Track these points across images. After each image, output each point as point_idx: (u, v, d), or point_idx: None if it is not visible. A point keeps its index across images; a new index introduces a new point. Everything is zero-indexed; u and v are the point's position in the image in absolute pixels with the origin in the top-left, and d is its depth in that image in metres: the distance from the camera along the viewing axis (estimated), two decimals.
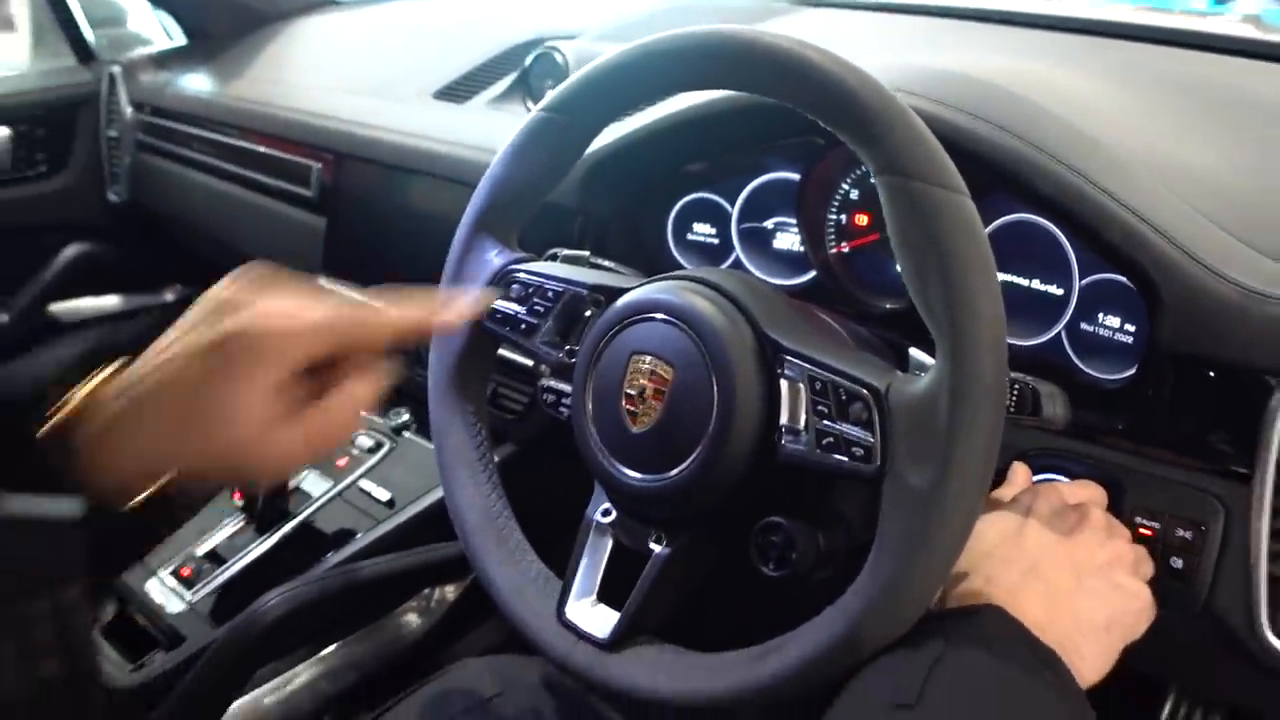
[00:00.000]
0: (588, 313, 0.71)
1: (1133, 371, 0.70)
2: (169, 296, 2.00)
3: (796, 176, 0.90)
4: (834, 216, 0.89)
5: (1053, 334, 0.77)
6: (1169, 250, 0.63)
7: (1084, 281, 0.75)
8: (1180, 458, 0.66)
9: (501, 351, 1.01)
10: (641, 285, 0.68)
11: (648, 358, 0.64)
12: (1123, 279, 0.70)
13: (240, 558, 1.08)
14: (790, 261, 0.93)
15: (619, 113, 0.71)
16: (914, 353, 0.59)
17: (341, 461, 1.20)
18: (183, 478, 0.51)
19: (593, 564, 0.70)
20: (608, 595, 0.69)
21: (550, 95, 0.71)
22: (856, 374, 0.57)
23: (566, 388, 0.75)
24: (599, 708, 0.80)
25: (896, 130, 0.55)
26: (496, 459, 1.02)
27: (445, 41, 1.50)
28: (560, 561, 0.72)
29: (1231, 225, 0.66)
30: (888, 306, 0.86)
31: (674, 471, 0.62)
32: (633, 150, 0.92)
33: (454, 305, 0.63)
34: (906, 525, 0.54)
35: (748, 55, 0.61)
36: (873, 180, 0.56)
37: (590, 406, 0.67)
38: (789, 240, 0.93)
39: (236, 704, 0.96)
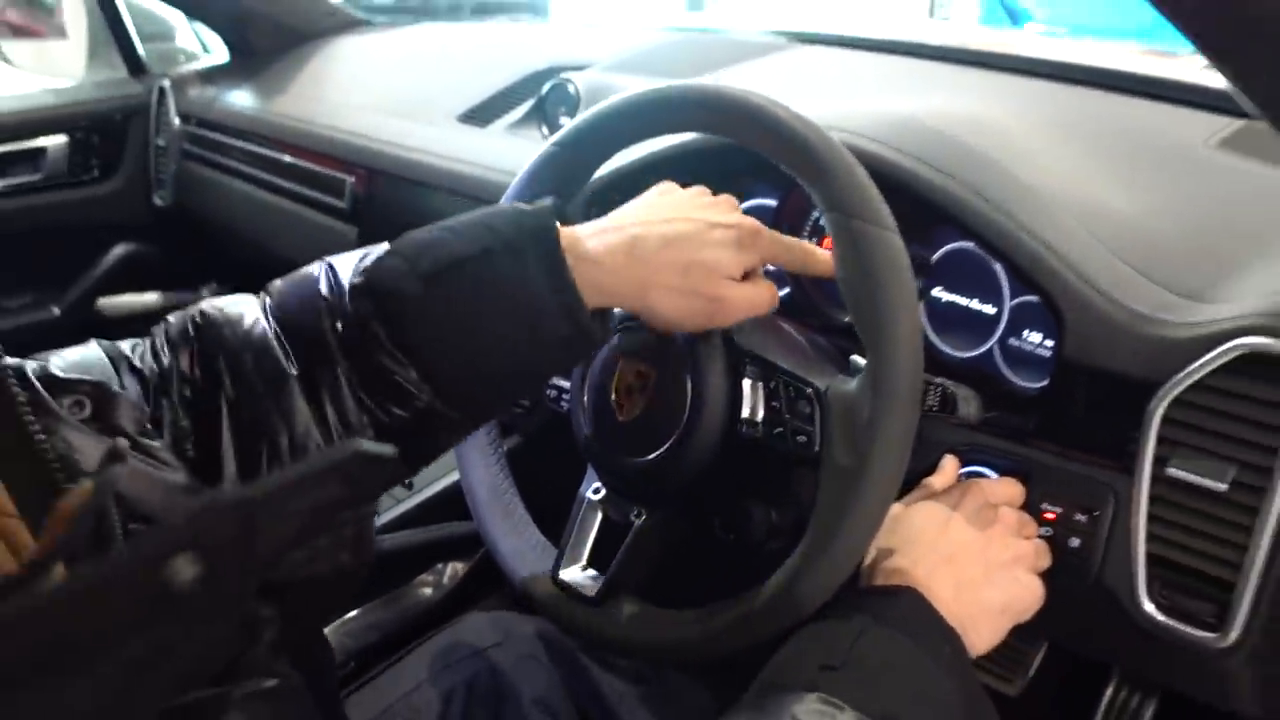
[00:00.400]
0: None
1: (1046, 381, 0.81)
2: (206, 294, 2.13)
3: (774, 203, 1.02)
4: (807, 240, 1.01)
5: (987, 347, 0.88)
6: (1071, 278, 0.75)
7: (1012, 302, 0.86)
8: (1080, 453, 0.77)
9: None
10: None
11: (635, 359, 0.77)
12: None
13: None
14: (770, 278, 1.05)
15: (616, 149, 0.83)
16: (854, 359, 0.71)
17: None
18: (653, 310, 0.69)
19: (584, 534, 0.82)
20: (597, 561, 0.82)
21: (560, 132, 0.83)
22: (803, 375, 0.70)
23: (566, 384, 0.87)
24: (582, 656, 0.92)
25: (840, 176, 0.68)
26: (506, 448, 1.15)
27: (469, 66, 1.62)
28: (559, 533, 0.84)
29: (1131, 256, 0.78)
30: (846, 320, 0.98)
31: (653, 455, 0.75)
32: (634, 177, 1.04)
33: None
34: (836, 498, 0.66)
35: (723, 107, 0.73)
36: (821, 215, 0.68)
37: (585, 400, 0.80)
38: None
39: None
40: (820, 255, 0.73)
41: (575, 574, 0.81)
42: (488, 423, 0.87)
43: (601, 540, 0.82)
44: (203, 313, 0.66)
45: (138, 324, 1.94)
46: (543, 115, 1.32)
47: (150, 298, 2.09)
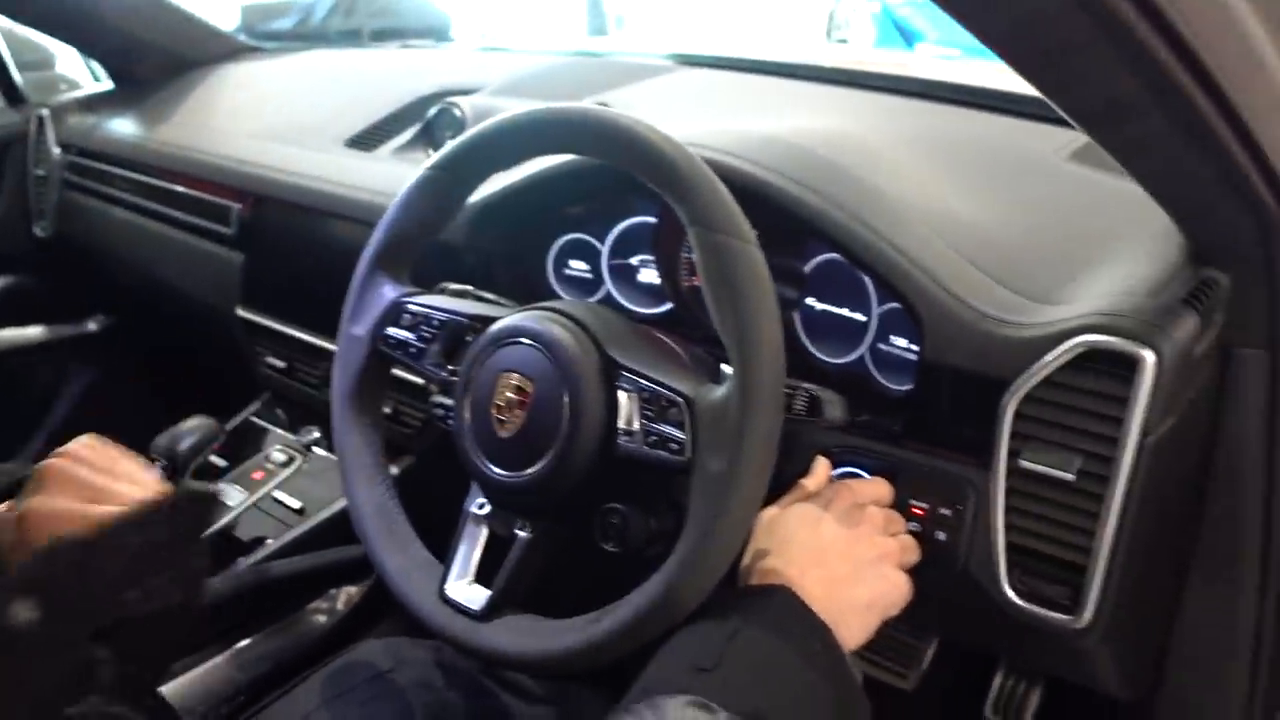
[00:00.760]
0: (468, 338, 0.84)
1: (912, 384, 0.85)
2: (92, 326, 2.07)
3: (654, 220, 1.05)
4: (686, 255, 1.03)
5: (859, 353, 0.92)
6: (927, 283, 0.79)
7: (880, 309, 0.90)
8: (944, 451, 0.81)
9: (401, 374, 1.14)
10: (511, 314, 0.81)
11: (514, 375, 0.77)
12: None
13: None
14: (652, 293, 1.08)
15: (492, 171, 0.85)
16: (724, 368, 0.74)
17: (257, 474, 1.31)
18: None
19: (469, 549, 0.83)
20: (483, 576, 0.82)
21: (436, 155, 0.85)
22: (674, 385, 0.71)
23: (451, 402, 0.88)
24: (480, 678, 0.92)
25: (702, 191, 0.70)
26: (398, 470, 1.15)
27: (357, 91, 1.62)
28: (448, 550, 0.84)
29: (983, 262, 0.82)
30: None
31: (534, 468, 0.76)
32: (516, 196, 1.05)
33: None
34: (708, 502, 0.68)
35: (590, 129, 0.75)
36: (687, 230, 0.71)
37: (467, 416, 0.80)
38: (651, 275, 1.07)
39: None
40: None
41: (461, 589, 0.81)
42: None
43: (487, 555, 0.82)
44: None
45: (20, 358, 1.88)
46: (429, 139, 1.33)
47: (33, 331, 2.02)
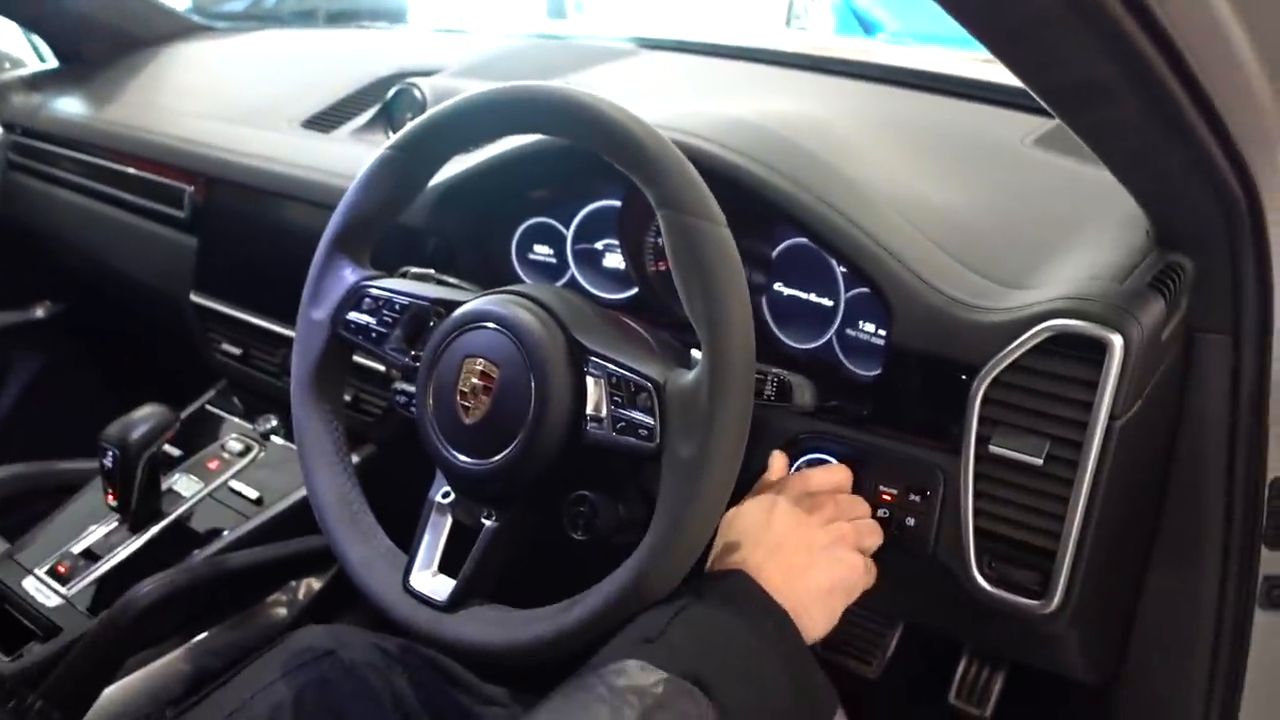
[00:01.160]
0: (431, 323, 0.82)
1: (880, 369, 0.85)
2: (39, 313, 2.01)
3: (618, 203, 1.03)
4: (652, 239, 1.02)
5: (826, 338, 0.91)
6: (896, 267, 0.78)
7: (848, 294, 0.89)
8: (912, 436, 0.81)
9: (361, 360, 1.12)
10: (475, 298, 0.79)
11: (479, 360, 0.76)
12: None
13: (114, 555, 1.14)
14: (617, 278, 1.06)
15: (454, 152, 0.83)
16: (694, 352, 0.73)
17: (213, 464, 1.27)
18: None
19: (434, 539, 0.81)
20: (448, 567, 0.80)
21: (397, 136, 0.82)
22: (643, 370, 0.70)
23: (415, 389, 0.86)
24: (424, 653, 0.90)
25: (672, 173, 0.69)
26: (359, 458, 1.13)
27: (314, 72, 1.58)
28: (411, 541, 0.83)
29: (951, 247, 0.82)
30: None
31: (500, 456, 0.74)
32: (479, 179, 1.04)
33: None
34: (678, 487, 0.67)
35: (556, 108, 0.74)
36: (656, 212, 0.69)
37: (430, 403, 0.79)
38: (616, 259, 1.06)
39: (109, 689, 1.02)
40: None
41: (426, 580, 0.79)
42: None
43: (452, 544, 0.81)
44: None
45: None
46: (388, 120, 1.30)
47: None
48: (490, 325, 0.76)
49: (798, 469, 0.85)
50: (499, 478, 0.75)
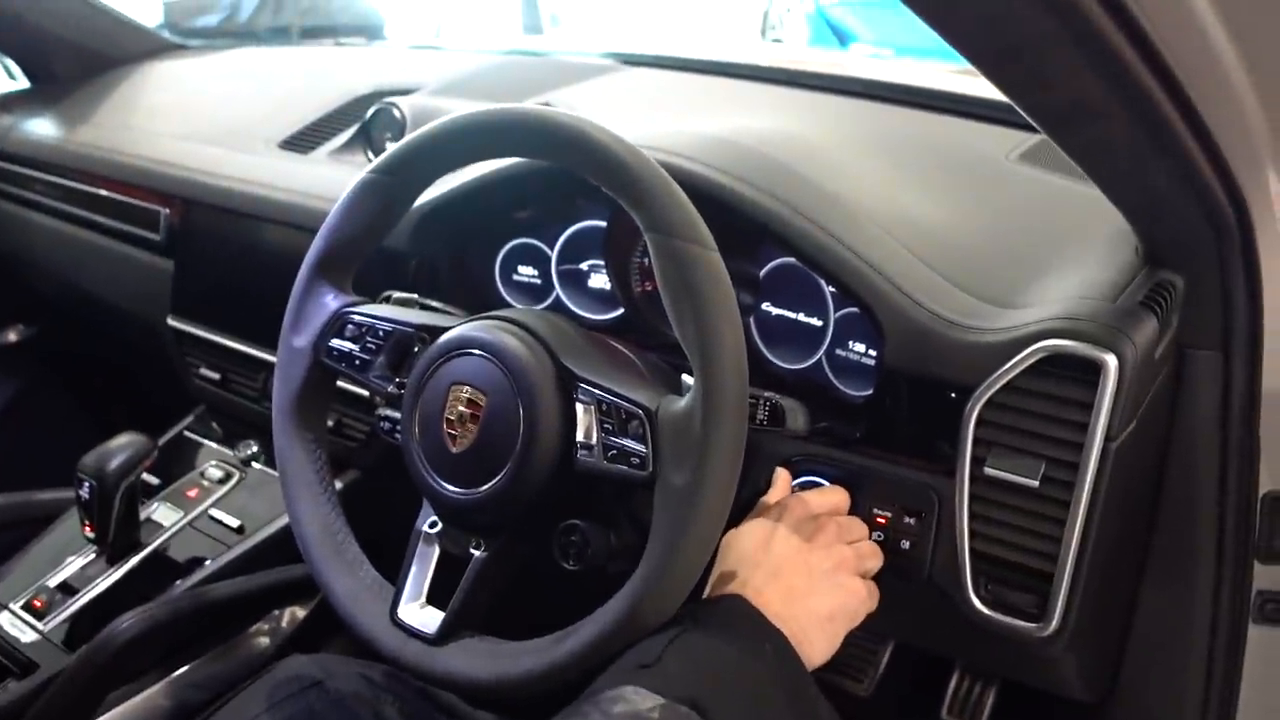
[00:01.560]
0: (415, 349, 0.81)
1: (871, 390, 0.84)
2: (11, 337, 1.98)
3: (604, 224, 1.02)
4: (638, 259, 1.01)
5: (815, 359, 0.90)
6: (886, 286, 0.78)
7: (837, 314, 0.89)
8: (906, 458, 0.80)
9: (345, 386, 1.10)
10: (460, 324, 0.78)
11: (465, 387, 0.74)
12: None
13: (92, 588, 1.11)
14: (603, 299, 1.05)
15: (437, 175, 0.81)
16: (685, 377, 0.71)
17: (192, 492, 1.25)
18: None
19: (422, 570, 0.79)
20: (436, 598, 0.79)
21: (380, 159, 0.81)
22: (633, 397, 0.69)
23: (400, 415, 0.84)
24: (412, 681, 0.88)
25: (660, 196, 0.68)
26: (342, 485, 1.11)
27: (290, 91, 1.56)
28: (398, 571, 0.81)
29: (940, 265, 0.81)
30: None
31: (488, 485, 0.73)
32: (462, 201, 1.02)
33: None
34: (671, 517, 0.66)
35: (541, 132, 0.72)
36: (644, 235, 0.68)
37: (417, 431, 0.77)
38: (602, 280, 1.05)
39: None
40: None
41: (414, 612, 0.78)
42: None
43: (440, 575, 0.79)
44: None
45: None
46: (367, 141, 1.29)
47: None
48: (476, 352, 0.74)
49: (791, 492, 0.84)
50: (487, 507, 0.74)
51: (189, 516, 1.21)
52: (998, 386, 0.72)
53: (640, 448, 0.68)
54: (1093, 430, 0.69)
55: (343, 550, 0.82)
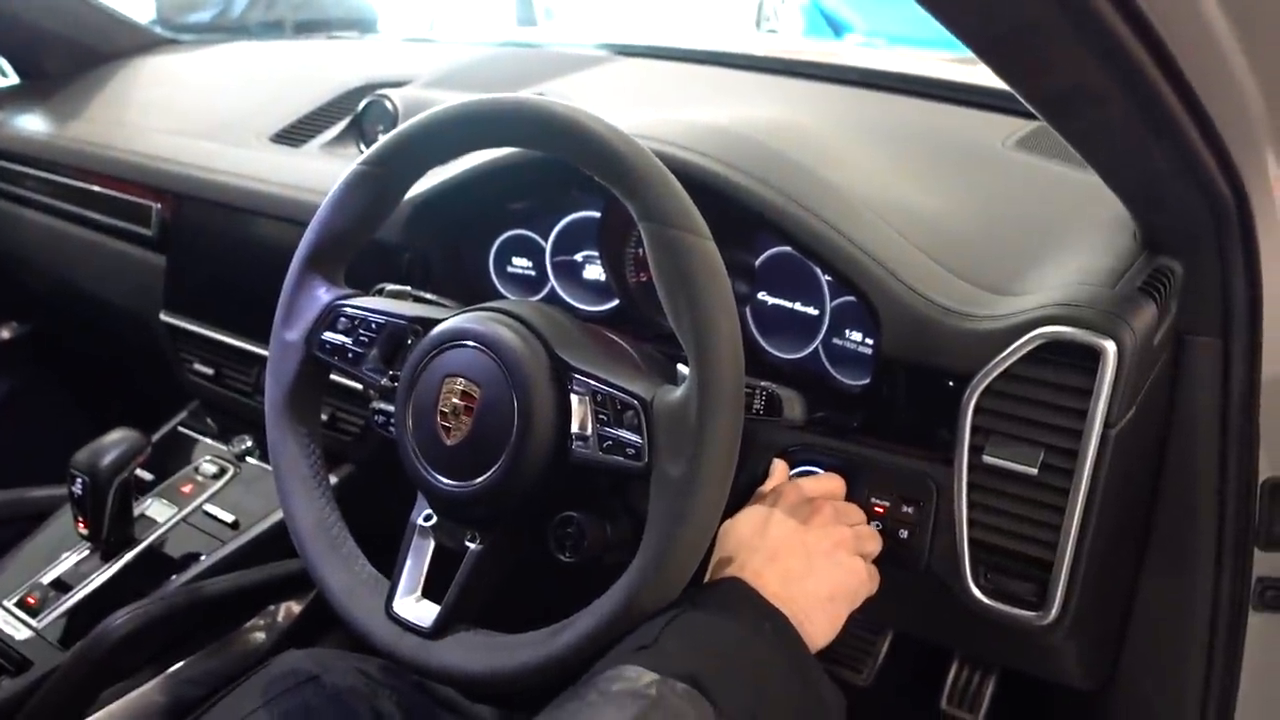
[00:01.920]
0: (409, 341, 0.80)
1: (868, 379, 0.83)
2: (4, 334, 1.97)
3: (597, 214, 1.01)
4: (633, 250, 1.00)
5: (812, 348, 0.90)
6: (882, 275, 0.77)
7: (833, 303, 0.88)
8: (904, 446, 0.80)
9: (338, 379, 1.09)
10: (454, 316, 0.77)
11: (459, 379, 0.74)
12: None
13: (86, 584, 1.10)
14: (598, 290, 1.05)
15: (429, 166, 0.81)
16: (680, 367, 0.71)
17: (186, 487, 1.24)
18: None
19: (417, 564, 0.79)
20: (432, 592, 0.78)
21: (370, 151, 0.80)
22: (629, 387, 0.69)
23: (393, 409, 0.84)
24: (408, 677, 0.88)
25: (654, 185, 0.67)
26: (336, 479, 1.10)
27: (281, 85, 1.55)
28: (393, 566, 0.81)
29: (936, 252, 0.81)
30: None
31: (483, 477, 0.72)
32: (455, 192, 1.01)
33: None
34: (668, 507, 0.65)
35: (534, 122, 0.72)
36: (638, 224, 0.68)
37: (410, 424, 0.77)
38: (596, 271, 1.04)
39: None
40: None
41: (410, 606, 0.77)
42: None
43: (435, 568, 0.79)
44: None
45: None
46: (360, 133, 1.28)
47: None
48: (470, 344, 0.74)
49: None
50: (482, 500, 0.73)
51: (183, 512, 1.20)
52: (996, 374, 0.72)
53: (636, 438, 0.68)
54: (1092, 417, 0.69)
55: (338, 545, 0.82)
